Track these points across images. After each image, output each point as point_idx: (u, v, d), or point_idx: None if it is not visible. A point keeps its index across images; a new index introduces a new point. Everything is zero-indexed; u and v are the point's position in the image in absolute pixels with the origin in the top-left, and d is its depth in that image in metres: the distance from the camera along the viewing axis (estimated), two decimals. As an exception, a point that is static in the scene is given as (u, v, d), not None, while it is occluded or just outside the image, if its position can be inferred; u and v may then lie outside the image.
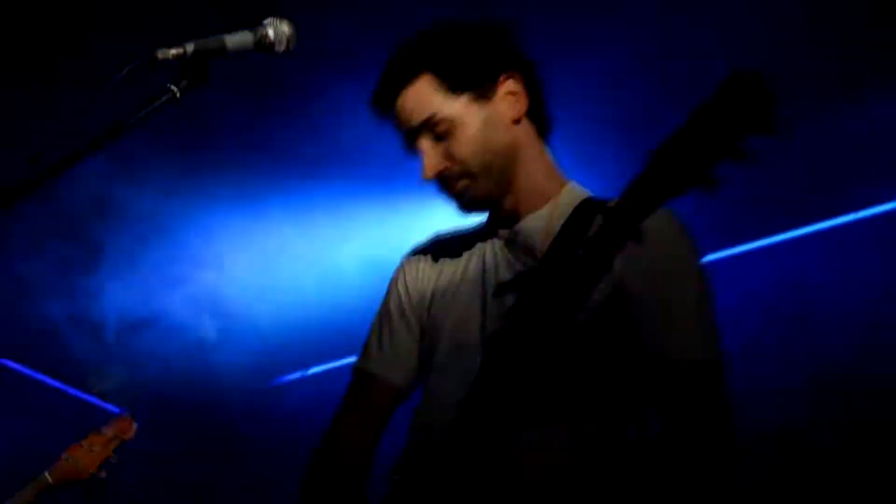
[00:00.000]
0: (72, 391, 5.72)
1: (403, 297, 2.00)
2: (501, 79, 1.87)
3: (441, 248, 2.04)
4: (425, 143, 1.87)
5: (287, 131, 4.17)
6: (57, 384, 5.66)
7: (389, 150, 2.03)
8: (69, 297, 4.87)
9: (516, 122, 1.89)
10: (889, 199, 4.15)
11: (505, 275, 1.86)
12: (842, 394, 4.01)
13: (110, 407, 5.89)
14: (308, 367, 5.56)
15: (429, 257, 2.03)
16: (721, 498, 1.71)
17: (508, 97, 1.88)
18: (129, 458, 5.51)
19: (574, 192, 1.92)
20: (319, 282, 4.85)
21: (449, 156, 1.85)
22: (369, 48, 2.40)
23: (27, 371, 5.53)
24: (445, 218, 2.04)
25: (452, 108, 1.84)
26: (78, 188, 4.15)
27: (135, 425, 3.39)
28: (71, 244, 4.61)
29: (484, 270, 1.90)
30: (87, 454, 3.28)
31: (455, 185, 1.88)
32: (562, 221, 1.84)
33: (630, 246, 1.52)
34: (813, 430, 4.06)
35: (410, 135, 1.89)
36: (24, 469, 4.74)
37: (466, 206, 1.92)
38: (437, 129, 1.85)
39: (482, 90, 1.86)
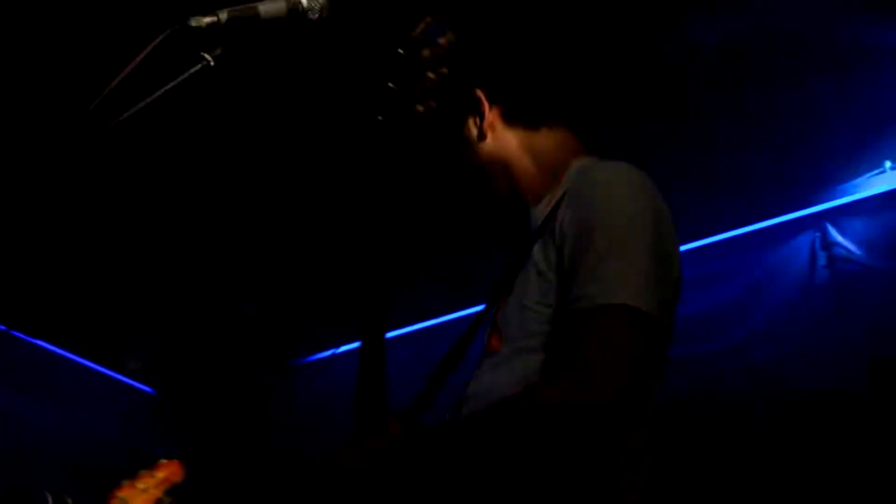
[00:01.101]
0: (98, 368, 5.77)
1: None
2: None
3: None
4: None
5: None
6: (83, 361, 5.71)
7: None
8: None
9: (482, 138, 1.93)
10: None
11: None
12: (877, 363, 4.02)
13: (139, 384, 5.94)
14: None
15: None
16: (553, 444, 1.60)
17: (470, 117, 1.94)
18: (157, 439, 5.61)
19: (580, 164, 1.92)
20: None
21: None
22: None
23: (51, 347, 5.58)
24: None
25: None
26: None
27: (184, 469, 3.33)
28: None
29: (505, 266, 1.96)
30: (140, 495, 3.20)
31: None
32: (557, 196, 1.85)
33: (563, 207, 1.73)
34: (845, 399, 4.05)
35: None
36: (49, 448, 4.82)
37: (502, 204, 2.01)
38: None
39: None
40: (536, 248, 1.77)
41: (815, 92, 3.88)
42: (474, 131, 1.93)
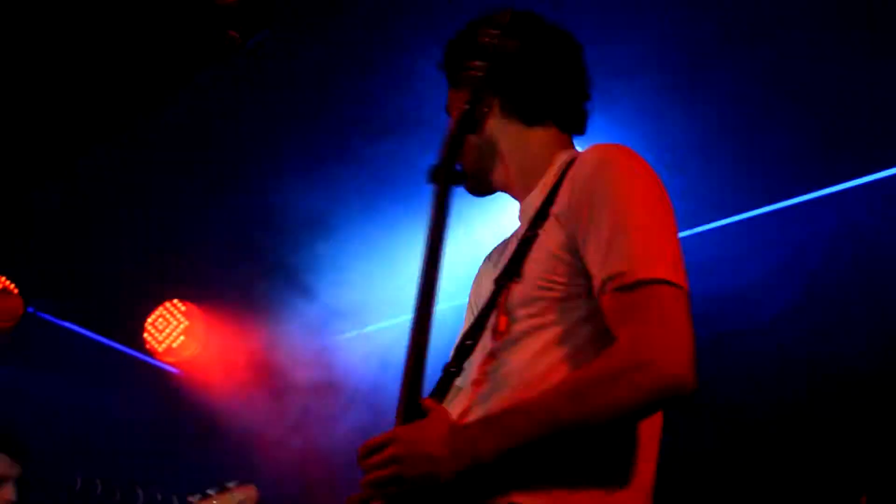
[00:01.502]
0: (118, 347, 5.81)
1: (471, 298, 2.14)
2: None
3: (497, 248, 2.19)
4: None
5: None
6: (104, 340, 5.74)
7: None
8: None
9: (480, 125, 2.00)
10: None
11: (513, 249, 1.99)
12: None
13: (162, 364, 5.96)
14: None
15: (489, 258, 2.19)
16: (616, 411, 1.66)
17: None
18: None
19: (564, 157, 2.03)
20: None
21: None
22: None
23: (76, 328, 5.62)
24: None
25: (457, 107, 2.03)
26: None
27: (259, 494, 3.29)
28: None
29: (507, 249, 2.04)
30: None
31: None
32: (551, 185, 1.96)
33: (566, 189, 1.84)
34: (877, 378, 3.99)
35: None
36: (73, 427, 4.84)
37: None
38: None
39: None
40: (542, 232, 1.87)
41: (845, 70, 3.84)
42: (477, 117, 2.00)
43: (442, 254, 1.82)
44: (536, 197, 1.98)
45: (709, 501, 4.15)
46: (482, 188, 2.13)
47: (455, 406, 1.85)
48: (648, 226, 1.76)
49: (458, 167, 1.94)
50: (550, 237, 1.84)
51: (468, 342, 1.91)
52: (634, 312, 1.68)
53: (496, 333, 1.85)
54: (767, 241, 4.47)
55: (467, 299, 2.15)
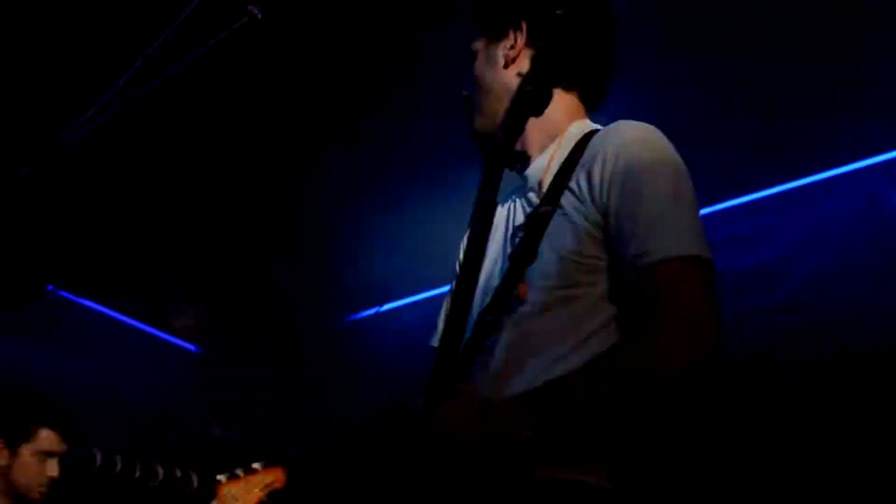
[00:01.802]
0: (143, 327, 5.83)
1: (457, 270, 2.08)
2: (510, 29, 2.04)
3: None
4: None
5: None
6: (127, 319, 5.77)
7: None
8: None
9: (505, 66, 2.03)
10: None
11: (520, 218, 1.97)
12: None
13: (184, 344, 5.99)
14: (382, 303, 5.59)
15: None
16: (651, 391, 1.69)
17: (507, 44, 2.04)
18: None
19: (580, 126, 2.00)
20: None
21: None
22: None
23: (97, 307, 5.64)
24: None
25: (475, 47, 2.10)
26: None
27: (286, 475, 3.36)
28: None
29: (507, 221, 2.03)
30: (247, 493, 3.26)
31: (468, 114, 2.10)
32: (565, 156, 1.92)
33: (595, 163, 1.81)
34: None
35: None
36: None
37: (471, 137, 2.10)
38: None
39: (493, 36, 2.07)
40: (566, 202, 1.84)
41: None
42: (501, 57, 2.04)
43: (488, 232, 1.77)
44: (543, 167, 1.95)
45: (738, 478, 4.15)
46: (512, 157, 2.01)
47: (483, 384, 1.80)
48: (679, 204, 1.77)
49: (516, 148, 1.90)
50: (572, 211, 1.82)
51: (488, 317, 1.86)
52: (664, 289, 1.69)
53: (520, 308, 1.83)
54: (793, 216, 4.46)
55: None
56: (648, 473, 1.76)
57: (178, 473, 3.30)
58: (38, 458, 3.44)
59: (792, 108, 4.01)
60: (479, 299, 1.88)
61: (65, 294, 5.36)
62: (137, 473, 3.40)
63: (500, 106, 1.96)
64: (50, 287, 5.17)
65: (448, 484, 1.66)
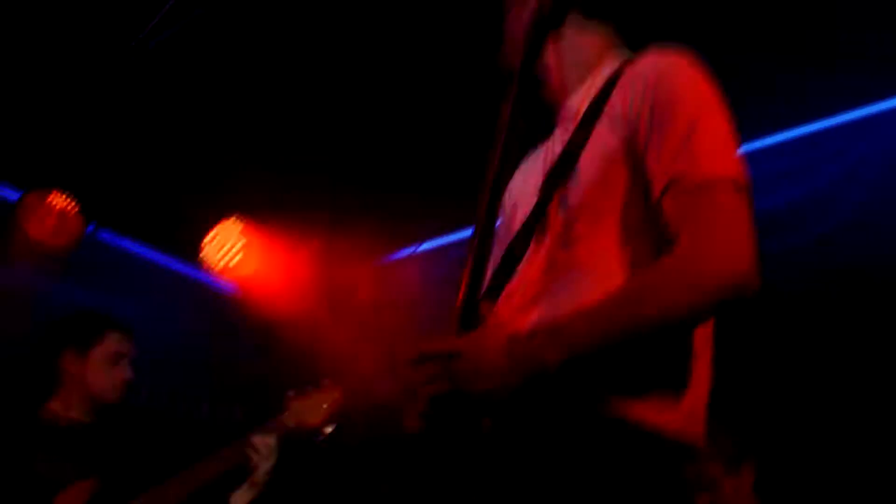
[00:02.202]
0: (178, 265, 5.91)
1: (506, 208, 2.10)
2: None
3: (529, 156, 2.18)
4: None
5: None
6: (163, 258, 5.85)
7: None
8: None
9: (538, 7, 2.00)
10: None
11: (558, 149, 1.95)
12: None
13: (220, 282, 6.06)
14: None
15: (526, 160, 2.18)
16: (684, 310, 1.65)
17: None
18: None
19: (614, 60, 1.99)
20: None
21: None
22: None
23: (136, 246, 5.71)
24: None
25: None
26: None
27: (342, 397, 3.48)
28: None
29: (544, 153, 2.04)
30: (316, 408, 3.40)
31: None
32: (601, 85, 1.92)
33: (630, 88, 1.81)
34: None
35: None
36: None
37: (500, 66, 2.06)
38: None
39: None
40: (596, 133, 1.84)
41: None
42: (534, 4, 2.00)
43: (510, 159, 1.79)
44: (580, 99, 1.95)
45: (764, 413, 4.17)
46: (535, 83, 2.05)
47: (511, 314, 1.82)
48: (717, 129, 1.75)
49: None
50: (606, 138, 1.82)
51: (518, 248, 1.88)
52: (699, 211, 1.67)
53: (552, 237, 1.84)
54: (824, 156, 4.42)
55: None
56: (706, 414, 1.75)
57: (223, 411, 3.38)
58: (110, 360, 3.47)
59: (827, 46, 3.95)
60: (521, 213, 1.96)
61: (104, 233, 5.42)
62: (182, 411, 3.48)
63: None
64: (90, 227, 5.21)
65: (475, 410, 1.67)
